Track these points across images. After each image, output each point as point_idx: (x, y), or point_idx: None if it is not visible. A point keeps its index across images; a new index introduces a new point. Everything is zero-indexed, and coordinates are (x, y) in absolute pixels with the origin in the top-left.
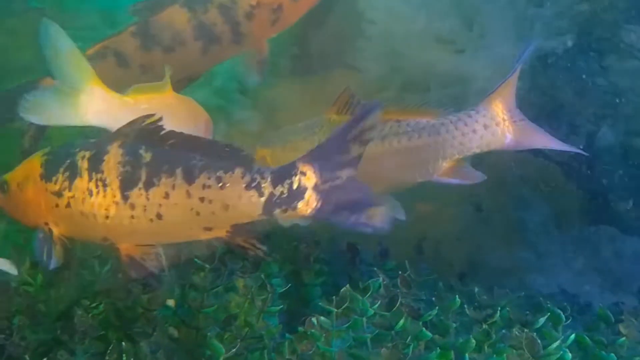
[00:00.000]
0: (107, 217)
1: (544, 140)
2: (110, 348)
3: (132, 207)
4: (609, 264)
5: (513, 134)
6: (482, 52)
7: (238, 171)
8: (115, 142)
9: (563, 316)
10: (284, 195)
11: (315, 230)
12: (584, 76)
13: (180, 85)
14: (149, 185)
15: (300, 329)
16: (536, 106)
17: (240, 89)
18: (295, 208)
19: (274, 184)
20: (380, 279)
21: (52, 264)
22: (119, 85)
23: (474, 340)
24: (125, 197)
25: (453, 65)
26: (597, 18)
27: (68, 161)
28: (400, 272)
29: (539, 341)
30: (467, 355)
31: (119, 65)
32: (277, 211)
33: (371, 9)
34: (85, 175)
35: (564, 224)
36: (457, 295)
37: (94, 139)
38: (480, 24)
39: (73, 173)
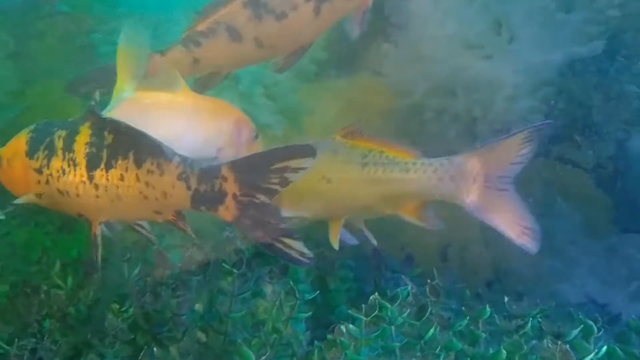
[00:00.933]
0: (77, 195)
1: (502, 223)
2: (142, 353)
3: (96, 187)
4: (638, 273)
5: (477, 198)
6: (511, 58)
7: (175, 160)
8: (86, 122)
9: (595, 328)
10: (207, 195)
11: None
12: (613, 82)
13: (292, 59)
14: (109, 166)
15: (329, 336)
16: (565, 113)
17: (265, 94)
18: (217, 210)
19: (199, 181)
20: (409, 287)
21: None
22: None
23: (504, 351)
24: (90, 177)
25: (480, 71)
26: (628, 23)
27: (47, 139)
28: (428, 280)
29: (573, 354)
30: None
31: (231, 40)
32: (203, 208)
33: (397, 14)
34: (60, 154)
35: (592, 231)
36: (487, 305)
37: (72, 118)
38: (508, 29)
39: (51, 151)
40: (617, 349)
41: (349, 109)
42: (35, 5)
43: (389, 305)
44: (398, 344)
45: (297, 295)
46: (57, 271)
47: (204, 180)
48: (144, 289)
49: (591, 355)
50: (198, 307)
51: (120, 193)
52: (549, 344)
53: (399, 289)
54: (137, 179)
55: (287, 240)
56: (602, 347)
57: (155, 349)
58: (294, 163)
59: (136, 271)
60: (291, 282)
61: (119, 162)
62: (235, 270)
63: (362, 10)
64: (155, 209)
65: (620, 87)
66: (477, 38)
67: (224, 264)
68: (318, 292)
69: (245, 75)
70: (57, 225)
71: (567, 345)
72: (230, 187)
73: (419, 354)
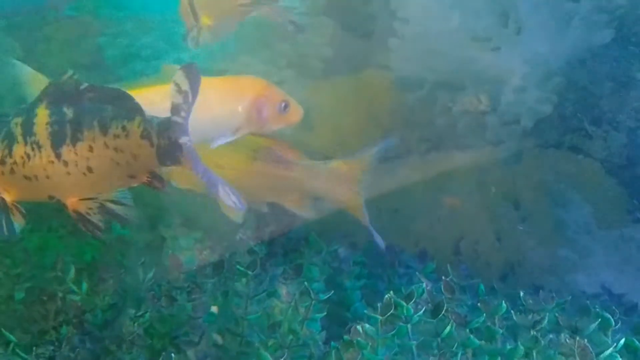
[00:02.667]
0: (47, 177)
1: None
2: (160, 359)
3: (66, 164)
4: None
5: (348, 200)
6: (519, 49)
7: (137, 119)
8: (41, 104)
9: (612, 321)
10: (168, 148)
11: (352, 233)
12: (623, 71)
13: None
14: (75, 140)
15: (346, 337)
16: (574, 103)
17: None
18: (179, 162)
19: (159, 135)
20: (424, 285)
21: (12, 231)
22: None
23: (522, 347)
24: (58, 155)
25: (489, 63)
26: (637, 12)
27: (5, 130)
28: (442, 277)
29: (591, 349)
30: None
31: None
32: (168, 163)
33: (404, 8)
34: (21, 140)
35: (606, 221)
36: (502, 301)
37: (25, 105)
38: (516, 20)
39: (10, 140)
40: (635, 341)
41: (357, 105)
42: (42, 10)
43: (405, 304)
44: (415, 342)
45: (312, 295)
46: (72, 277)
47: (163, 133)
48: (159, 293)
49: (610, 350)
50: (214, 309)
51: (91, 165)
52: (567, 339)
53: (413, 287)
54: (106, 146)
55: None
56: (619, 339)
57: (172, 353)
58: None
59: (150, 275)
60: (305, 283)
61: (85, 133)
62: (249, 272)
63: None
64: (129, 173)
65: (631, 75)
66: (484, 30)
67: (238, 266)
68: (332, 291)
69: (251, 74)
70: (70, 229)
71: (585, 340)
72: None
73: (436, 352)
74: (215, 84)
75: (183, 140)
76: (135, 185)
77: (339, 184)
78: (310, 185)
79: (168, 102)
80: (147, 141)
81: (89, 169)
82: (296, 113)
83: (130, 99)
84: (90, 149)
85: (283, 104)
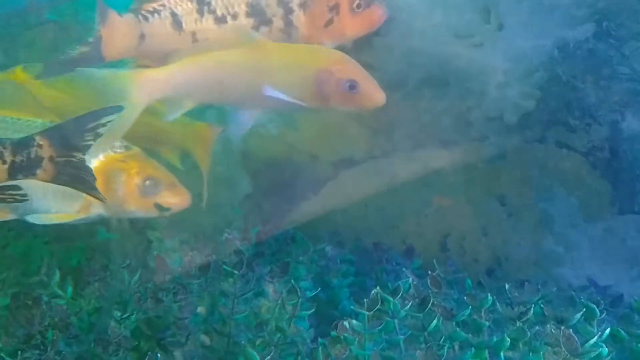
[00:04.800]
0: None
1: None
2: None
3: None
4: (638, 254)
5: None
6: (501, 45)
7: None
8: None
9: (597, 311)
10: (24, 164)
11: (339, 231)
12: (605, 65)
13: None
14: None
15: (333, 333)
16: (557, 97)
17: None
18: (35, 174)
19: (14, 154)
20: (410, 280)
21: None
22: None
23: (508, 339)
24: None
25: (472, 59)
26: (617, 5)
27: None
28: (429, 272)
29: (576, 338)
30: (502, 354)
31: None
32: (20, 176)
33: (387, 6)
34: None
35: (591, 214)
36: (488, 294)
37: None
38: (497, 16)
39: None
40: (621, 330)
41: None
42: (24, 15)
43: (391, 299)
44: (402, 336)
45: (299, 293)
46: (57, 281)
47: (19, 151)
48: (145, 295)
49: (595, 339)
50: (200, 310)
51: None
52: (552, 330)
53: (400, 282)
54: None
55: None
56: (605, 329)
57: (159, 354)
58: (104, 119)
59: (136, 277)
60: (292, 281)
61: None
62: (236, 272)
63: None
64: None
65: (612, 69)
66: (466, 27)
67: (224, 266)
68: (320, 289)
69: None
70: (55, 235)
71: (571, 330)
72: (46, 151)
73: (423, 345)
74: (289, 49)
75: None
76: None
77: None
78: None
79: None
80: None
81: None
82: (369, 97)
83: None
84: None
85: (348, 84)
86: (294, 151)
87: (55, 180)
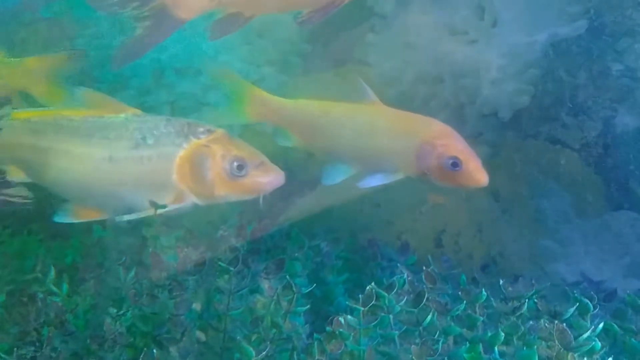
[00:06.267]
0: None
1: None
2: (141, 356)
3: None
4: (632, 249)
5: None
6: (495, 42)
7: None
8: None
9: (591, 305)
10: None
11: (335, 228)
12: (598, 61)
13: (318, 15)
14: None
15: (328, 328)
16: (551, 94)
17: None
18: None
19: None
20: (405, 275)
21: None
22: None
23: (502, 333)
24: None
25: (466, 56)
26: (610, 1)
27: None
28: (424, 267)
29: (570, 332)
30: (496, 348)
31: None
32: None
33: (381, 3)
34: None
35: (584, 210)
36: (483, 289)
37: None
38: (492, 13)
39: None
40: (614, 325)
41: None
42: (17, 13)
43: (386, 294)
44: (397, 331)
45: (294, 289)
46: (53, 278)
47: None
48: (141, 292)
49: (588, 333)
50: (196, 306)
51: None
52: (546, 324)
53: (395, 278)
54: None
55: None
56: (599, 324)
57: (155, 350)
58: None
59: (132, 274)
60: (287, 277)
61: None
62: (231, 268)
63: None
64: None
65: (605, 65)
66: (460, 23)
67: (219, 263)
68: (315, 285)
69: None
70: (51, 232)
71: (564, 324)
72: None
73: (418, 340)
74: (398, 116)
75: None
76: None
77: None
78: None
79: None
80: None
81: None
82: (471, 177)
83: None
84: None
85: (450, 161)
86: (290, 148)
87: None
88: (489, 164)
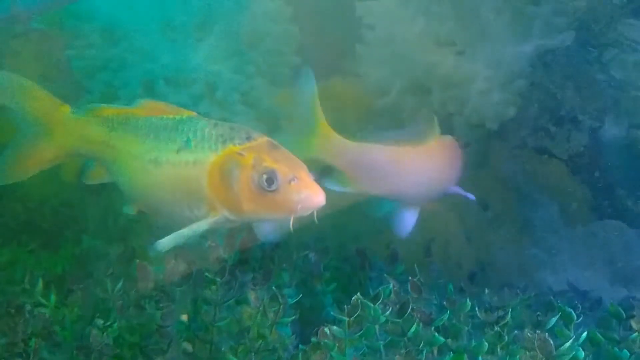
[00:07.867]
0: None
1: None
2: None
3: None
4: (618, 259)
5: None
6: (482, 53)
7: None
8: None
9: (574, 315)
10: None
11: (324, 238)
12: (584, 72)
13: None
14: None
15: (314, 339)
16: (538, 103)
17: (242, 101)
18: None
19: None
20: (391, 285)
21: None
22: None
23: (486, 343)
24: None
25: (454, 67)
26: (596, 13)
27: None
28: (410, 277)
29: (551, 341)
30: (480, 357)
31: None
32: None
33: (369, 15)
34: None
35: (571, 220)
36: (467, 299)
37: None
38: (478, 24)
39: None
40: (598, 334)
41: (326, 112)
42: (9, 24)
43: (372, 305)
44: (382, 342)
45: (280, 299)
46: (41, 289)
47: None
48: (128, 303)
49: (570, 342)
50: (183, 317)
51: None
52: (529, 333)
53: (380, 288)
54: None
55: None
56: (582, 333)
57: None
58: None
59: (119, 285)
60: (274, 287)
61: None
62: (218, 279)
63: None
64: None
65: (591, 76)
66: (448, 34)
67: (206, 274)
68: (302, 295)
69: (222, 83)
70: (40, 242)
71: (547, 334)
72: None
73: (402, 350)
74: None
75: None
76: None
77: None
78: None
79: None
80: None
81: None
82: None
83: None
84: None
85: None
86: None
87: None
88: (477, 173)
